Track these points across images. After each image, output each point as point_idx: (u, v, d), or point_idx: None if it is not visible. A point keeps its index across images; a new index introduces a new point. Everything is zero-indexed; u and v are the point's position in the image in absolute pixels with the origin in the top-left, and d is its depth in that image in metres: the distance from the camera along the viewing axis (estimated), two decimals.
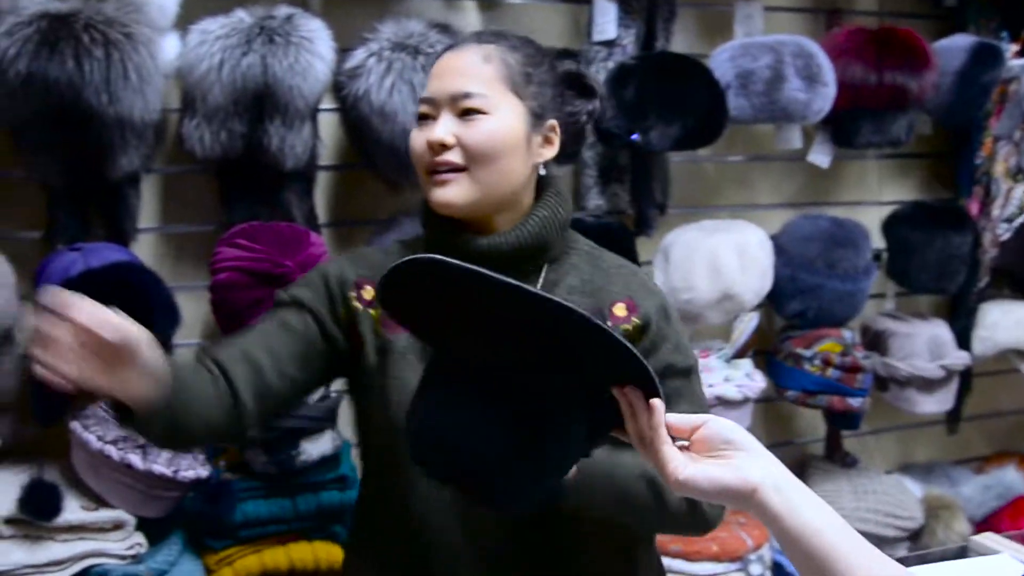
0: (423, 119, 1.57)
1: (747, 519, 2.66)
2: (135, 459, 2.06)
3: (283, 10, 2.25)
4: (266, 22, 2.21)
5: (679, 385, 1.55)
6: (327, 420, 2.30)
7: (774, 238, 2.80)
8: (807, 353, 2.76)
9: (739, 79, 2.64)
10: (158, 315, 2.09)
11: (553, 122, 1.61)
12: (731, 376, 2.65)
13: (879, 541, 2.76)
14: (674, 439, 1.11)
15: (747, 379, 2.67)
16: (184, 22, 2.24)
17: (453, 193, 1.54)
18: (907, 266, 3.01)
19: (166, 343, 2.11)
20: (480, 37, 1.62)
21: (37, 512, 2.03)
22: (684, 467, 1.08)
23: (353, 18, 2.40)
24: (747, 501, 1.07)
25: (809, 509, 1.06)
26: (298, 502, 2.29)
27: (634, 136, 2.52)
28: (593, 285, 1.61)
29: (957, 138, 3.18)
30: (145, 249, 2.36)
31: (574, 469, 1.35)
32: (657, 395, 1.11)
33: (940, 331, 3.02)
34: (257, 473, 2.29)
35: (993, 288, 3.20)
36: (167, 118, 2.30)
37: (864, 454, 3.16)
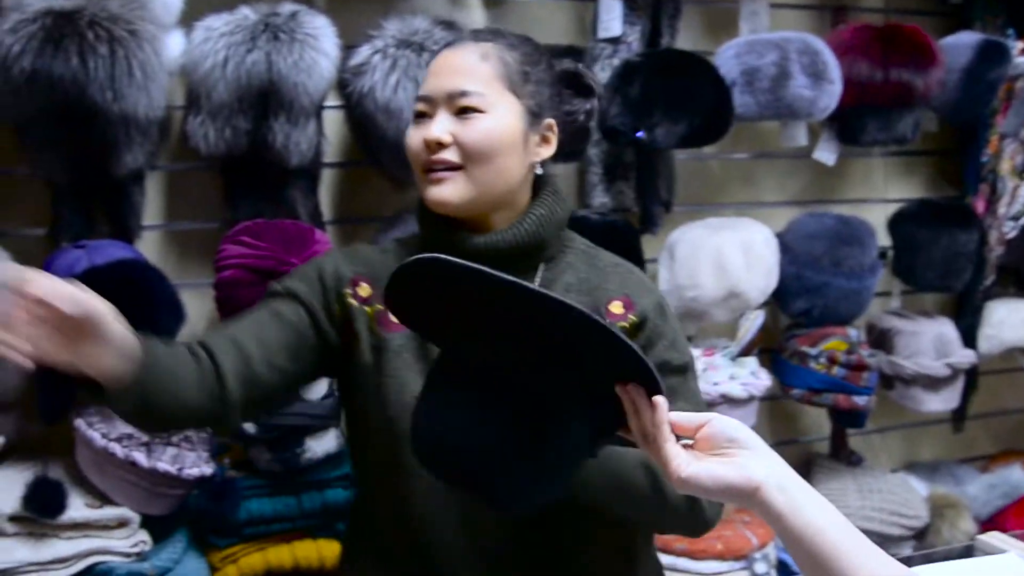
0: (420, 117, 1.57)
1: (752, 518, 2.66)
2: (139, 457, 2.06)
3: (288, 7, 2.25)
4: (271, 19, 2.21)
5: (675, 382, 1.55)
6: (331, 418, 2.30)
7: (779, 236, 2.80)
8: (812, 351, 2.76)
9: (744, 76, 2.63)
10: (162, 312, 2.09)
11: (550, 121, 1.61)
12: (736, 374, 2.65)
13: (884, 540, 2.78)
14: (678, 438, 1.11)
15: (752, 377, 2.67)
16: (189, 19, 2.24)
17: (449, 191, 1.53)
18: (913, 264, 3.00)
19: None
20: (478, 35, 1.62)
21: (41, 510, 2.03)
22: (687, 464, 1.08)
23: (358, 15, 2.39)
24: (750, 499, 1.07)
25: (812, 508, 1.06)
26: (303, 500, 2.29)
27: (639, 133, 2.51)
28: (589, 283, 1.61)
29: (963, 136, 3.17)
30: (149, 246, 2.36)
31: None
32: (660, 392, 1.11)
33: (946, 329, 3.01)
34: (262, 471, 2.30)
35: (999, 286, 3.19)
36: (171, 115, 2.30)
37: (869, 453, 3.15)
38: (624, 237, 2.59)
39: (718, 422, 1.12)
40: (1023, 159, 3.12)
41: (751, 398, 2.64)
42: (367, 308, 1.60)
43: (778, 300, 2.82)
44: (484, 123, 1.53)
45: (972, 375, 3.12)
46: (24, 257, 2.12)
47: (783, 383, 2.83)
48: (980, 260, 3.05)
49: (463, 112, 1.53)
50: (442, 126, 1.53)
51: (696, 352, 2.65)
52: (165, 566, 2.13)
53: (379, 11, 2.40)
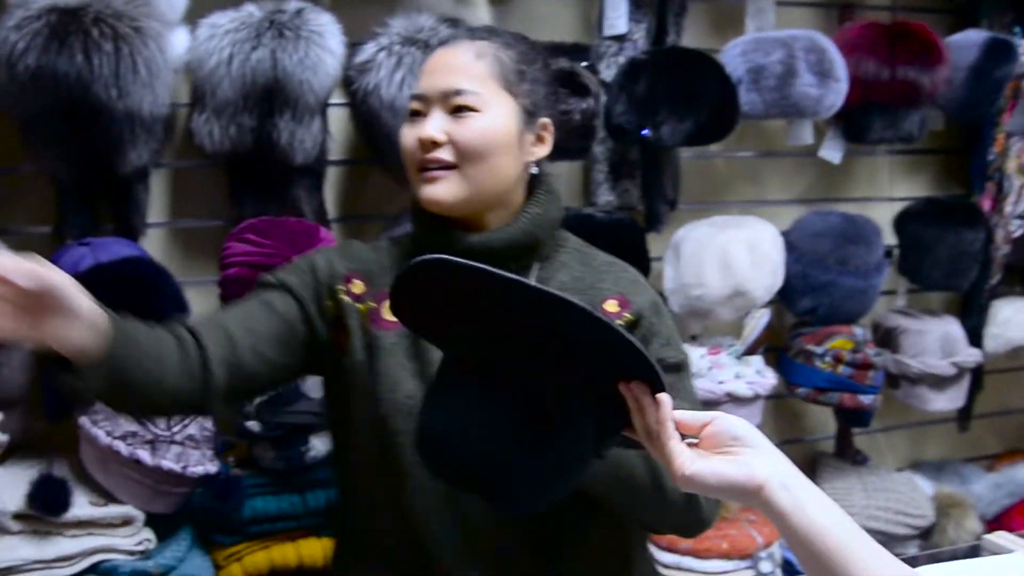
0: (414, 115, 1.57)
1: (757, 516, 2.65)
2: (144, 455, 2.06)
3: (293, 4, 2.24)
4: (276, 16, 2.20)
5: (672, 380, 1.54)
6: None
7: (785, 234, 2.79)
8: (818, 350, 2.75)
9: (751, 74, 2.63)
10: (167, 310, 2.08)
11: (546, 120, 1.61)
12: (742, 373, 2.64)
13: (890, 539, 2.77)
14: (683, 436, 1.11)
15: (758, 376, 2.66)
16: (193, 16, 2.24)
17: (443, 191, 1.53)
18: (919, 263, 2.99)
19: None
20: (473, 33, 1.61)
21: (46, 507, 2.02)
22: (691, 462, 1.08)
23: (363, 12, 2.39)
24: (754, 498, 1.07)
25: (816, 507, 1.06)
26: (307, 498, 2.29)
27: (645, 131, 2.51)
28: (584, 282, 1.61)
29: (969, 134, 3.16)
30: (154, 244, 2.36)
31: None
32: (663, 390, 1.11)
33: (952, 328, 3.00)
34: (266, 469, 2.29)
35: (1005, 285, 3.18)
36: (176, 113, 2.30)
37: (875, 452, 3.15)
38: (629, 235, 2.58)
39: (722, 420, 1.12)
40: None
41: (756, 397, 2.64)
42: (360, 305, 1.59)
43: (784, 299, 2.81)
44: (479, 122, 1.53)
45: (978, 374, 3.12)
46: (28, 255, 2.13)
47: (788, 382, 2.83)
48: (986, 259, 3.05)
49: (458, 111, 1.53)
50: (436, 125, 1.53)
51: (702, 350, 2.65)
52: (169, 564, 2.13)
53: (384, 8, 2.40)
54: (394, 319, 1.55)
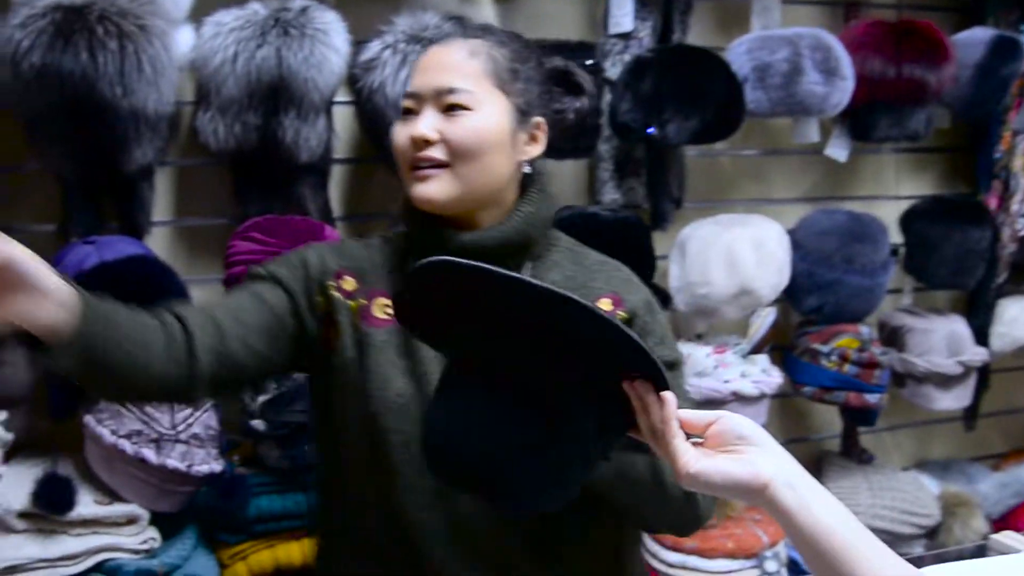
0: (407, 113, 1.56)
1: (763, 516, 2.65)
2: (149, 454, 2.06)
3: (298, 2, 2.24)
4: (281, 14, 2.20)
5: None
6: None
7: (791, 233, 2.79)
8: (824, 349, 2.74)
9: (756, 72, 2.62)
10: None
11: (539, 119, 1.60)
12: (747, 372, 2.64)
13: (895, 538, 2.77)
14: (688, 436, 1.11)
15: (763, 375, 2.66)
16: (198, 14, 2.24)
17: (435, 189, 1.53)
18: (925, 261, 2.98)
19: None
20: (467, 31, 1.60)
21: (51, 506, 2.02)
22: (696, 460, 1.08)
23: (368, 10, 2.38)
24: (759, 496, 1.07)
25: (821, 506, 1.06)
26: (312, 497, 2.28)
27: (651, 130, 2.50)
28: (576, 281, 1.61)
29: (976, 132, 3.15)
30: (159, 242, 2.36)
31: None
32: (667, 388, 1.11)
33: (958, 327, 2.99)
34: (271, 468, 2.29)
35: (1012, 283, 3.17)
36: (181, 111, 2.29)
37: (880, 451, 3.14)
38: (635, 233, 2.58)
39: (727, 419, 1.12)
40: None
41: (762, 396, 2.63)
42: (351, 302, 1.58)
43: (790, 297, 2.81)
44: (471, 121, 1.52)
45: (984, 373, 3.11)
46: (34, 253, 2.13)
47: (794, 381, 2.82)
48: (992, 257, 3.04)
49: (450, 109, 1.52)
50: (429, 123, 1.52)
51: (707, 349, 2.65)
52: (174, 563, 2.13)
53: (389, 6, 2.39)
54: (385, 316, 1.56)
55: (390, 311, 1.57)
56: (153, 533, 2.14)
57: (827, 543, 1.03)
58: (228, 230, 2.30)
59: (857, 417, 2.91)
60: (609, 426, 1.19)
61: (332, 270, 1.60)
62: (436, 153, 1.52)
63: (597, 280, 1.63)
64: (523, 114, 1.57)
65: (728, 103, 2.58)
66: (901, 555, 1.04)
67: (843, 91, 2.67)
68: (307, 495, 2.29)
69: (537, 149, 1.61)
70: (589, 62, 2.46)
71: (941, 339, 2.94)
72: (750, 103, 2.62)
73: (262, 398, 2.22)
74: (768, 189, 3.04)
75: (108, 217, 2.25)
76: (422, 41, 2.28)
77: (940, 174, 3.27)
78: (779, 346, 2.86)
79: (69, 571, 2.03)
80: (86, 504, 2.07)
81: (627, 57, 2.61)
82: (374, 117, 2.32)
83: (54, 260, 2.12)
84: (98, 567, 2.07)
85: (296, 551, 2.27)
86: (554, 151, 2.39)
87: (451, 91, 1.52)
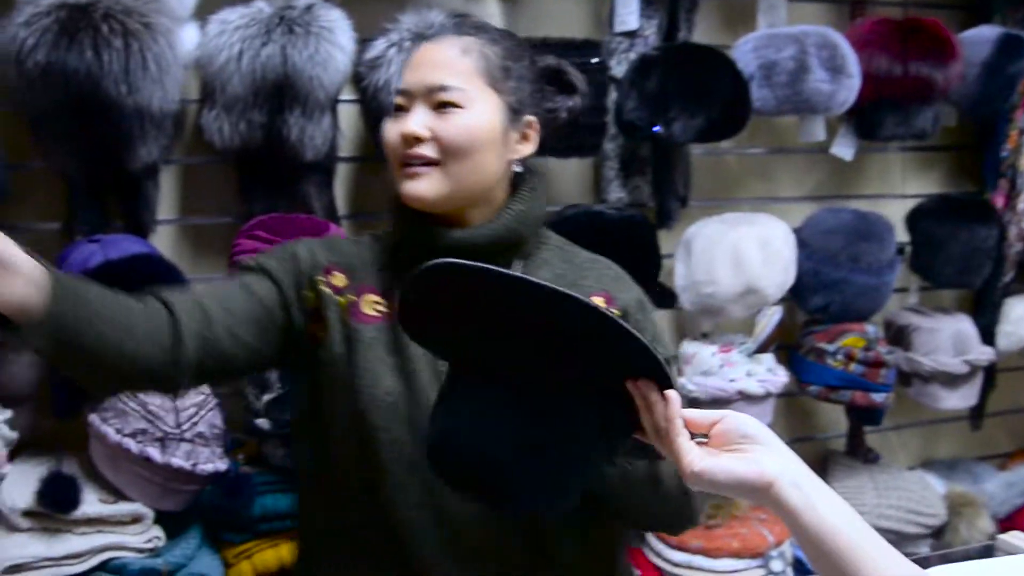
0: (398, 110, 1.55)
1: (768, 515, 2.64)
2: (153, 452, 2.05)
3: (303, 0, 2.24)
4: (286, 12, 2.20)
5: None
6: None
7: (796, 231, 2.78)
8: (830, 348, 2.74)
9: (762, 70, 2.61)
10: None
11: (531, 118, 1.59)
12: (753, 371, 2.63)
13: (901, 538, 2.76)
14: (693, 435, 1.11)
15: (769, 374, 2.65)
16: (203, 12, 2.23)
17: (425, 187, 1.52)
18: (931, 260, 2.98)
19: None
20: (459, 28, 1.60)
21: (55, 505, 2.02)
22: (700, 459, 1.08)
23: (373, 8, 2.38)
24: (764, 495, 1.07)
25: (826, 505, 1.05)
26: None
27: (656, 128, 2.50)
28: (566, 279, 1.60)
29: (982, 130, 3.14)
30: (164, 241, 2.36)
31: None
32: (671, 386, 1.11)
33: (964, 326, 2.98)
34: (276, 467, 2.29)
35: (1018, 282, 3.16)
36: (186, 109, 2.29)
37: (886, 450, 3.13)
38: (640, 232, 2.58)
39: (732, 418, 1.12)
40: None
41: (768, 395, 2.63)
42: (340, 298, 1.58)
43: (795, 296, 2.80)
44: (463, 118, 1.51)
45: (990, 372, 3.10)
46: (39, 251, 2.13)
47: (800, 380, 2.82)
48: (999, 256, 3.03)
49: (442, 107, 1.52)
50: (419, 120, 1.52)
51: (713, 348, 2.64)
52: (179, 562, 2.13)
53: (395, 4, 2.39)
54: (374, 313, 1.56)
55: (379, 308, 1.57)
56: (158, 532, 2.14)
57: (832, 543, 1.03)
58: (233, 228, 2.30)
59: (863, 416, 2.91)
60: (613, 427, 1.18)
61: (322, 265, 1.60)
62: (427, 151, 1.51)
63: (588, 278, 1.63)
64: (515, 113, 1.57)
65: (734, 101, 2.58)
66: (907, 555, 1.04)
67: (849, 89, 2.66)
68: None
69: (529, 148, 1.60)
70: (594, 60, 2.46)
71: (947, 338, 2.93)
72: (756, 101, 2.61)
73: (267, 397, 2.22)
74: (774, 188, 3.04)
75: (113, 215, 2.25)
76: (427, 39, 2.27)
77: (946, 172, 3.27)
78: (785, 345, 2.85)
79: (74, 570, 2.03)
80: (91, 503, 2.07)
81: (633, 55, 2.60)
82: (379, 115, 2.31)
83: (59, 258, 2.12)
84: (102, 566, 2.07)
85: None
86: (559, 149, 2.42)
87: (443, 88, 1.51)
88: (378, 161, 2.44)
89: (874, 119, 2.81)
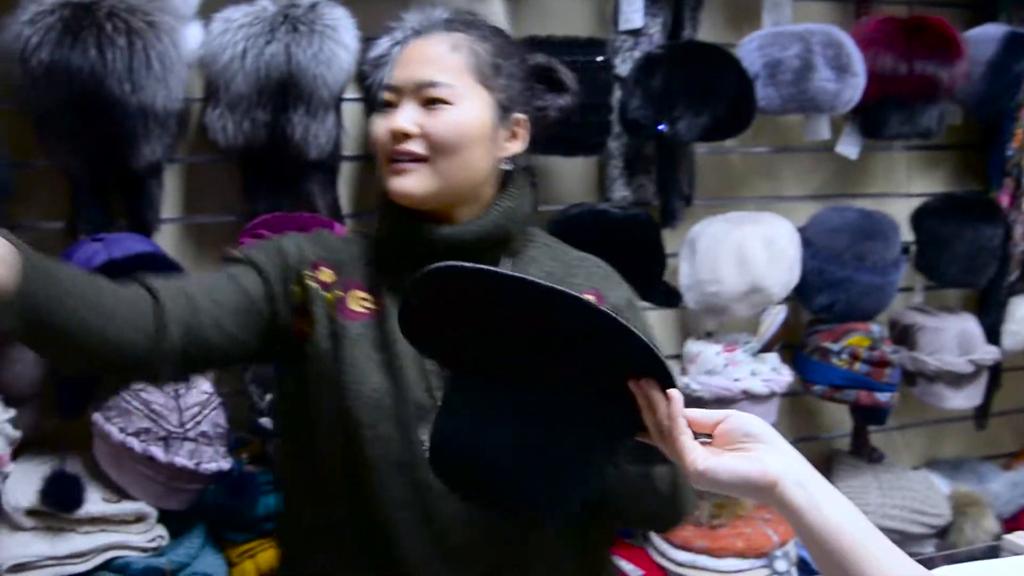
0: (387, 106, 1.55)
1: (772, 515, 2.64)
2: (157, 451, 2.05)
3: None
4: (290, 10, 2.20)
5: None
6: None
7: (801, 230, 2.78)
8: (835, 347, 2.73)
9: (767, 69, 2.60)
10: None
11: (521, 116, 1.59)
12: (757, 370, 2.63)
13: (906, 538, 2.76)
14: (696, 435, 1.10)
15: (773, 373, 2.65)
16: (207, 10, 2.23)
17: (412, 183, 1.51)
18: (936, 259, 2.97)
19: None
20: (450, 25, 1.59)
21: (59, 504, 2.02)
22: (704, 458, 1.07)
23: (377, 7, 2.38)
24: (768, 494, 1.06)
25: (831, 505, 1.05)
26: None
27: (661, 126, 2.49)
28: (555, 278, 1.59)
29: (988, 129, 3.13)
30: (168, 239, 2.36)
31: None
32: (673, 385, 1.10)
33: (969, 325, 2.98)
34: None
35: (1023, 282, 3.16)
36: (190, 107, 2.29)
37: (891, 450, 3.12)
38: (645, 231, 2.57)
39: (736, 418, 1.11)
40: None
41: (772, 394, 2.62)
42: (327, 294, 1.57)
43: (800, 295, 2.80)
44: (452, 115, 1.51)
45: (995, 372, 3.09)
46: (42, 250, 2.11)
47: (804, 379, 2.81)
48: (1004, 255, 3.02)
49: (431, 103, 1.51)
50: (408, 116, 1.51)
51: (717, 347, 2.64)
52: (182, 561, 2.13)
53: (399, 3, 2.39)
54: (361, 309, 1.55)
55: (366, 304, 1.56)
56: (161, 531, 2.14)
57: (836, 542, 1.02)
58: (237, 227, 2.30)
59: (867, 416, 2.90)
60: (616, 428, 1.18)
61: (309, 260, 1.59)
62: (415, 147, 1.51)
63: (577, 276, 1.62)
64: (504, 110, 1.56)
65: (739, 100, 2.57)
66: (911, 555, 1.04)
67: (854, 88, 2.65)
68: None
69: (518, 146, 1.60)
70: (599, 58, 2.46)
71: (952, 337, 2.92)
72: (761, 100, 2.61)
73: (270, 396, 2.22)
74: (779, 186, 3.03)
75: (117, 214, 2.25)
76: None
77: (952, 171, 3.26)
78: (789, 344, 2.84)
79: (77, 569, 2.03)
80: (94, 502, 2.07)
81: (637, 54, 2.60)
82: None
83: (63, 257, 2.12)
84: (106, 565, 2.07)
85: None
86: (563, 148, 2.42)
87: (432, 84, 1.51)
88: None
89: (879, 118, 2.81)
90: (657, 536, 2.61)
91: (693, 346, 2.69)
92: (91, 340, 1.34)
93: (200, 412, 2.11)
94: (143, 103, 2.06)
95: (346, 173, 2.49)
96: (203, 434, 2.11)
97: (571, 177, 2.73)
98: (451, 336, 1.21)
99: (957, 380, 2.93)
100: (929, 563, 1.06)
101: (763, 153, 2.99)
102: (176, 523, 2.18)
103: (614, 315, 1.08)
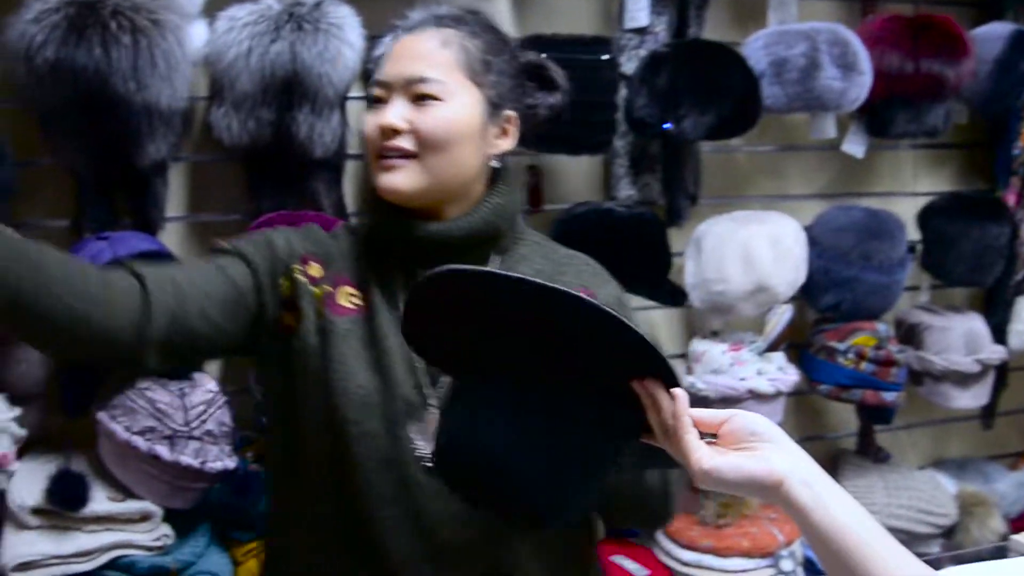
0: (377, 102, 1.54)
1: (778, 514, 2.64)
2: (162, 450, 2.05)
3: None
4: (295, 9, 2.20)
5: None
6: None
7: (807, 229, 2.77)
8: (841, 346, 2.73)
9: (773, 67, 2.60)
10: None
11: (511, 113, 1.58)
12: (763, 369, 2.62)
13: (912, 538, 2.75)
14: (702, 435, 1.10)
15: (779, 372, 2.64)
16: (212, 9, 2.23)
17: (401, 179, 1.51)
18: (943, 258, 2.96)
19: None
20: (441, 20, 1.58)
21: (64, 502, 2.02)
22: (709, 458, 1.07)
23: (382, 5, 2.37)
24: (774, 493, 1.06)
25: (837, 505, 1.04)
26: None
27: (667, 125, 2.49)
28: (545, 275, 1.59)
29: (994, 128, 3.12)
30: (172, 238, 2.36)
31: None
32: (678, 385, 1.10)
33: (976, 325, 2.97)
34: None
35: None
36: (195, 106, 2.29)
37: (897, 449, 3.12)
38: (650, 230, 2.57)
39: (741, 417, 1.11)
40: None
41: (778, 393, 2.62)
42: (315, 289, 1.56)
43: (806, 294, 2.79)
44: (441, 111, 1.51)
45: (1002, 371, 3.08)
46: None
47: (810, 379, 2.81)
48: (1011, 254, 3.01)
49: (420, 99, 1.51)
50: (398, 112, 1.51)
51: (723, 347, 2.63)
52: (187, 560, 2.13)
53: (404, 1, 2.38)
54: (349, 305, 1.55)
55: (355, 300, 1.56)
56: (166, 530, 2.14)
57: (842, 542, 1.02)
58: (242, 226, 2.29)
59: (874, 415, 2.89)
60: (620, 429, 1.17)
61: (298, 254, 1.58)
62: (404, 143, 1.50)
63: (567, 274, 1.62)
64: (494, 107, 1.56)
65: (744, 98, 2.57)
66: (918, 555, 1.03)
67: (860, 86, 2.65)
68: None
69: (507, 143, 1.60)
70: (605, 57, 2.46)
71: (959, 337, 2.92)
72: (767, 98, 2.60)
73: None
74: (784, 185, 3.02)
75: (121, 213, 2.25)
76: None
77: (958, 170, 3.25)
78: (795, 344, 2.84)
79: (82, 568, 2.03)
80: (99, 501, 2.07)
81: (643, 52, 2.59)
82: None
83: None
84: (111, 564, 2.06)
85: None
86: (569, 146, 2.41)
87: (421, 80, 1.50)
88: None
89: (885, 116, 2.80)
90: (662, 535, 2.61)
91: (698, 345, 2.69)
92: (73, 325, 1.33)
93: (205, 411, 2.11)
94: (148, 101, 2.06)
95: (351, 172, 2.49)
96: (208, 433, 2.10)
97: (576, 176, 2.72)
98: (453, 339, 1.21)
99: (963, 379, 2.92)
100: (936, 563, 1.06)
101: (769, 152, 2.98)
102: (181, 522, 2.17)
103: (614, 312, 1.08)
